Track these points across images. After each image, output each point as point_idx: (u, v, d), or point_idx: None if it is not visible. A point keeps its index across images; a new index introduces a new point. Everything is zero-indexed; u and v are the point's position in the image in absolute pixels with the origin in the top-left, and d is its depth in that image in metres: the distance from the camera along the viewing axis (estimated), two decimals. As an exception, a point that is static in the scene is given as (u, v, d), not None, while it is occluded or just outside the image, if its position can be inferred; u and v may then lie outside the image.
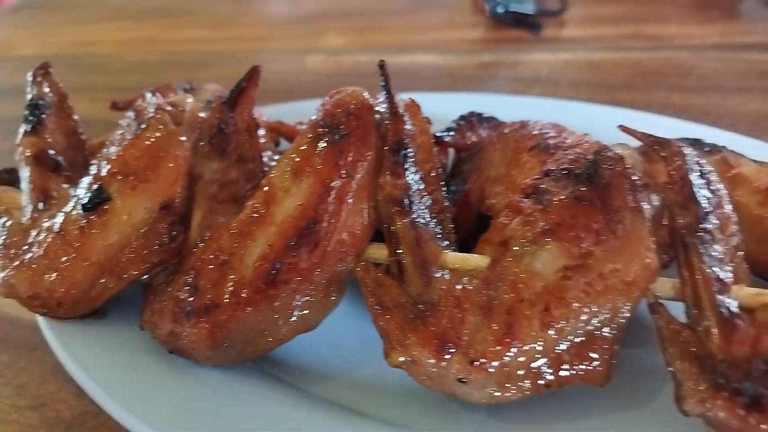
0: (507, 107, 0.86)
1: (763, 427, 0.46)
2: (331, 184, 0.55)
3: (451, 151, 0.76)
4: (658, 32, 1.45)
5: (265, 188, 0.57)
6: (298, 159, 0.57)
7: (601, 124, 0.74)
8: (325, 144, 0.57)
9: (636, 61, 1.31)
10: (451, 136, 0.72)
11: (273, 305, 0.53)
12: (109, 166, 0.60)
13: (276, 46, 1.55)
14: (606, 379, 0.51)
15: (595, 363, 0.50)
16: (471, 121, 0.75)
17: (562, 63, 1.34)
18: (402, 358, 0.51)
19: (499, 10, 1.50)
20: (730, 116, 1.07)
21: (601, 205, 0.51)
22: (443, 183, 0.61)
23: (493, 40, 1.47)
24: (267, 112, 0.86)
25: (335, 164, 0.56)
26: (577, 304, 0.49)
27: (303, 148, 0.58)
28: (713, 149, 0.69)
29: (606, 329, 0.50)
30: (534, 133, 0.70)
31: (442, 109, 0.76)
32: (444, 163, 0.74)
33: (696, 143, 0.71)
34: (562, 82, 1.26)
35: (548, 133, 0.69)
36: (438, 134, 0.72)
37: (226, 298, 0.53)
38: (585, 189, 0.52)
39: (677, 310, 0.51)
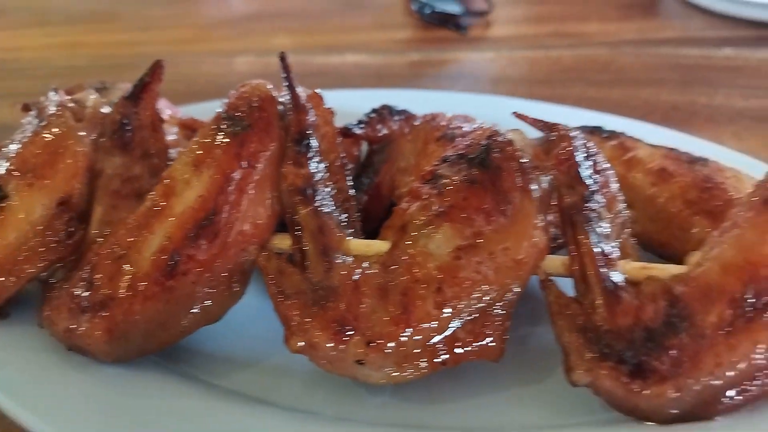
0: (428, 102, 0.86)
1: (646, 392, 0.48)
2: (232, 175, 0.55)
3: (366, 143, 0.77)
4: (578, 30, 1.50)
5: (165, 181, 0.56)
6: (200, 151, 0.57)
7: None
8: (227, 136, 0.57)
9: (556, 58, 1.35)
10: (362, 128, 0.73)
11: (172, 298, 0.53)
12: (7, 165, 0.59)
13: (205, 48, 1.54)
14: (500, 355, 0.52)
15: (489, 339, 0.52)
16: (382, 113, 0.76)
17: (487, 61, 1.37)
18: (301, 343, 0.51)
19: (427, 11, 1.52)
20: (642, 107, 1.11)
21: (491, 187, 0.53)
22: (348, 172, 0.62)
23: (420, 40, 1.49)
24: (188, 111, 0.85)
25: (236, 155, 0.56)
26: (469, 283, 0.51)
27: (205, 140, 0.58)
28: (611, 135, 0.73)
29: (498, 306, 0.52)
30: (442, 124, 0.72)
31: (368, 104, 0.78)
32: (357, 155, 0.75)
33: (596, 130, 0.74)
34: (485, 79, 1.29)
35: (455, 123, 0.71)
36: (349, 126, 0.73)
37: (123, 292, 0.52)
38: (476, 172, 0.54)
39: (571, 288, 0.53)
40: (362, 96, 0.95)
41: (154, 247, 0.53)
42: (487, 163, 0.54)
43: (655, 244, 0.65)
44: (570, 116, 0.77)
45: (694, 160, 0.66)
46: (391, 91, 1.05)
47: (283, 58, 0.61)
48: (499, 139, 0.56)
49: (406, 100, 0.81)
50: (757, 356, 0.48)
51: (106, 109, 0.65)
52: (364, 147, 0.77)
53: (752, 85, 1.21)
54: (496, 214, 0.52)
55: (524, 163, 0.55)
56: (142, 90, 0.63)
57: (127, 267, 0.53)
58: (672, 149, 0.69)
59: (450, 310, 0.51)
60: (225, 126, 0.57)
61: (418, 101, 0.83)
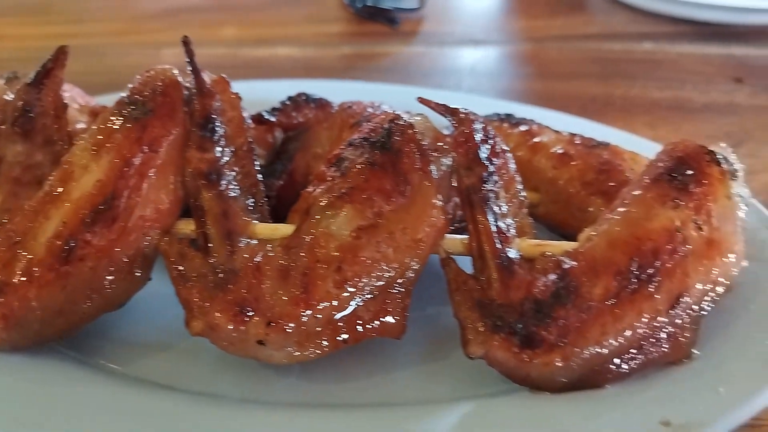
0: (356, 93, 0.87)
1: (535, 361, 0.50)
2: (132, 160, 0.55)
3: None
4: (506, 26, 1.54)
5: (64, 166, 0.55)
6: (100, 136, 0.56)
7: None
8: (128, 120, 0.56)
9: (484, 52, 1.38)
10: (275, 115, 0.73)
11: (69, 284, 0.52)
12: None
13: (135, 40, 1.51)
14: (401, 332, 0.53)
15: (390, 317, 0.53)
16: (298, 101, 0.76)
17: (418, 55, 1.39)
18: (201, 326, 0.51)
19: (359, 4, 1.53)
20: (562, 99, 1.15)
21: (391, 169, 0.54)
22: (257, 158, 0.62)
23: (353, 34, 1.50)
24: (104, 101, 0.84)
25: (137, 140, 0.56)
26: (369, 262, 0.52)
27: (105, 125, 0.57)
28: (519, 122, 0.75)
29: (398, 284, 0.53)
30: (358, 111, 0.73)
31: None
32: (271, 142, 0.75)
33: (507, 117, 0.77)
34: (415, 73, 1.30)
35: (371, 111, 0.72)
36: (261, 113, 0.73)
37: (17, 278, 0.51)
38: (378, 155, 0.55)
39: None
40: (292, 86, 0.95)
41: (49, 233, 0.52)
42: (388, 145, 0.55)
43: (557, 224, 0.68)
44: (490, 107, 0.79)
45: (595, 145, 0.69)
46: (320, 81, 1.05)
47: (186, 42, 0.61)
48: (401, 122, 0.57)
49: (331, 91, 0.81)
50: (642, 325, 0.50)
51: (9, 96, 0.63)
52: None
53: (669, 77, 1.27)
54: (395, 195, 0.53)
55: (424, 145, 0.56)
56: (45, 76, 0.62)
57: (22, 253, 0.52)
58: (576, 135, 0.71)
59: (350, 289, 0.51)
60: (127, 111, 0.57)
61: (345, 92, 0.83)
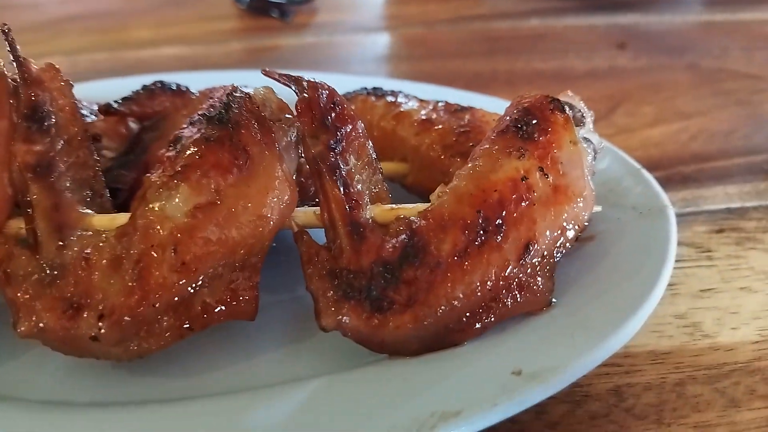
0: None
1: (387, 325, 0.48)
2: (-53, 158, 0.50)
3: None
4: (398, 12, 1.53)
5: None
6: None
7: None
8: (-58, 117, 0.52)
9: (375, 39, 1.37)
10: (123, 104, 0.69)
11: None
12: None
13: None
14: (253, 313, 0.51)
15: (240, 298, 0.50)
16: (152, 89, 0.72)
17: (308, 46, 1.37)
18: (30, 328, 0.47)
19: (248, 0, 1.50)
20: (448, 77, 1.15)
21: (229, 143, 0.51)
22: (96, 147, 0.58)
23: (242, 30, 1.46)
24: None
25: (-48, 136, 0.51)
26: (209, 243, 0.49)
27: None
28: (385, 93, 0.74)
29: (245, 263, 0.50)
30: (218, 96, 0.70)
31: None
32: (124, 133, 0.71)
33: (374, 90, 0.75)
34: (307, 63, 1.28)
35: (232, 94, 0.69)
36: (110, 103, 0.69)
37: None
38: (214, 129, 0.52)
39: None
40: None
41: None
42: (225, 119, 0.53)
43: (427, 192, 0.66)
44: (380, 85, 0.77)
45: (457, 110, 0.68)
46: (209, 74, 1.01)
47: (5, 32, 0.56)
48: (238, 94, 0.54)
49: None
50: (493, 277, 0.49)
51: None
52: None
53: (554, 49, 1.29)
54: (234, 169, 0.51)
55: (264, 116, 0.53)
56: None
57: None
58: (441, 102, 0.70)
59: (190, 272, 0.48)
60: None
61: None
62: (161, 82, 0.74)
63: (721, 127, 0.97)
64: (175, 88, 0.74)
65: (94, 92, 0.77)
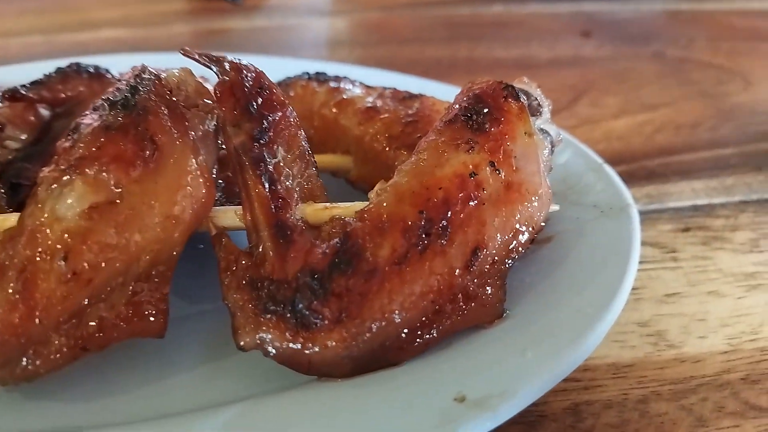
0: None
1: (315, 344, 0.42)
2: None
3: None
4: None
5: None
6: None
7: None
8: None
9: (330, 22, 1.30)
10: (34, 89, 0.62)
11: None
12: None
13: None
14: (161, 328, 0.44)
15: (146, 312, 0.43)
16: (66, 72, 0.64)
17: (260, 29, 1.29)
18: None
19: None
20: (407, 63, 1.08)
21: (133, 132, 0.44)
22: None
23: (189, 12, 1.38)
24: None
25: None
26: (107, 248, 0.42)
27: None
28: (328, 78, 0.67)
29: (152, 272, 0.44)
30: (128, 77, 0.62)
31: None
32: (33, 120, 0.62)
33: (316, 75, 0.68)
34: (254, 47, 1.20)
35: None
36: (17, 88, 0.61)
37: None
38: (116, 115, 0.45)
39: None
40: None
41: None
42: (130, 104, 0.45)
43: (371, 188, 0.60)
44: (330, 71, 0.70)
45: (406, 97, 0.62)
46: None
47: None
48: (146, 76, 0.47)
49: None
50: (437, 287, 0.43)
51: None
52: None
53: (516, 37, 1.24)
54: (138, 163, 0.44)
55: (176, 101, 0.47)
56: None
57: None
58: (389, 89, 0.64)
59: (83, 284, 0.41)
60: None
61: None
62: (77, 64, 0.66)
63: (687, 119, 0.93)
64: (93, 70, 0.66)
65: (26, 75, 0.69)
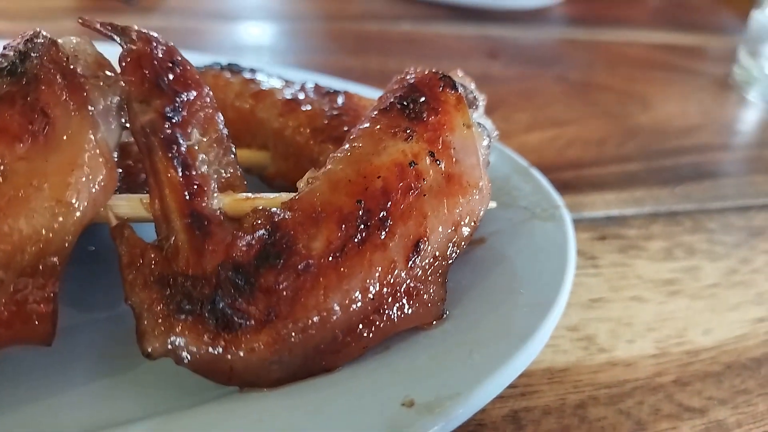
0: None
1: (237, 349, 0.36)
2: None
3: None
4: (257, 4, 1.42)
5: None
6: None
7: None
8: None
9: (231, 28, 1.24)
10: None
11: None
12: None
13: None
14: (50, 335, 0.37)
15: (29, 315, 0.36)
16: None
17: (155, 30, 1.21)
18: None
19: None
20: (317, 70, 1.04)
21: (21, 102, 0.37)
22: None
23: (80, 8, 1.27)
24: None
25: None
26: (-18, 236, 0.35)
27: None
28: (242, 69, 0.62)
29: (38, 267, 0.36)
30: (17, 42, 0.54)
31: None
32: None
33: (231, 65, 0.63)
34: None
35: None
36: None
37: None
38: (3, 84, 0.38)
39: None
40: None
41: None
42: (18, 71, 0.38)
43: (290, 185, 0.55)
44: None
45: (329, 92, 0.58)
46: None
47: None
48: (39, 40, 0.40)
49: None
50: (376, 282, 0.39)
51: None
52: None
53: (426, 54, 1.24)
54: (26, 138, 0.37)
55: (74, 69, 0.40)
56: None
57: None
58: (308, 83, 0.60)
59: (-51, 277, 0.34)
60: None
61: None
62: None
63: (594, 135, 0.95)
64: None
65: None
